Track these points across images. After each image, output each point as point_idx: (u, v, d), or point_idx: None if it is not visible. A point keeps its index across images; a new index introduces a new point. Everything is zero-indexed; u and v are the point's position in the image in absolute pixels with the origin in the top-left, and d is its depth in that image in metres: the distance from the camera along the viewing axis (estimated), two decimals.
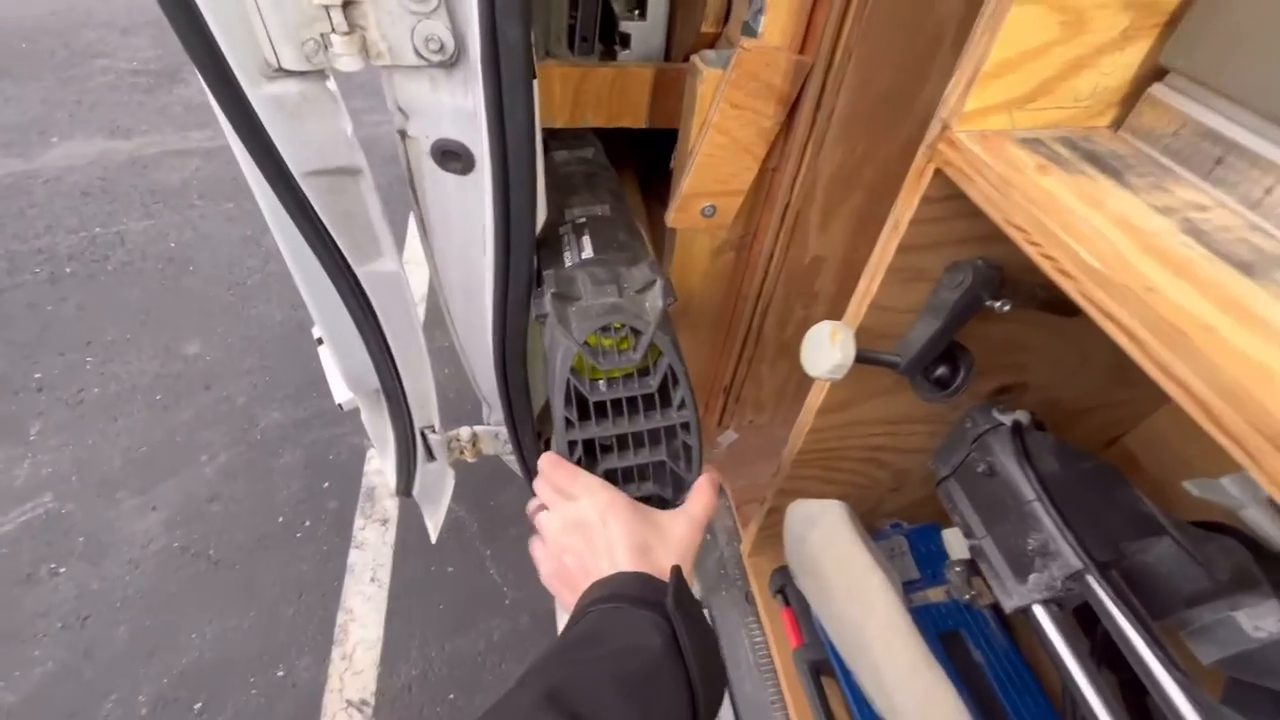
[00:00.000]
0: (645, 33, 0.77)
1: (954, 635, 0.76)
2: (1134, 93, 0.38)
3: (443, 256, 0.75)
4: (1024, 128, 0.38)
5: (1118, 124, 0.40)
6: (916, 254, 0.46)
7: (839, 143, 0.66)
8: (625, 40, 0.78)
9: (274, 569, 1.56)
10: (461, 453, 1.07)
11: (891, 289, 0.48)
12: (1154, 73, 0.37)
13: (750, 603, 0.87)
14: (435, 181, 0.67)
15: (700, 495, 0.52)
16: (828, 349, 0.46)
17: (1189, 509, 0.60)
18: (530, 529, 0.56)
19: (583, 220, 0.68)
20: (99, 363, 2.02)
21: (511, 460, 1.01)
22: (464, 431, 1.02)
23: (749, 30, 0.58)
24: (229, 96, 0.57)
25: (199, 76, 0.53)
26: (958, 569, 0.65)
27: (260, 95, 0.59)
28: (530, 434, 0.82)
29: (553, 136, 0.84)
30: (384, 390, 0.95)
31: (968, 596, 0.65)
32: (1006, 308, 0.45)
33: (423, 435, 1.03)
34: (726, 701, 0.89)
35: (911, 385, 0.55)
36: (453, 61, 0.58)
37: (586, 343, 0.55)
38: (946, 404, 0.55)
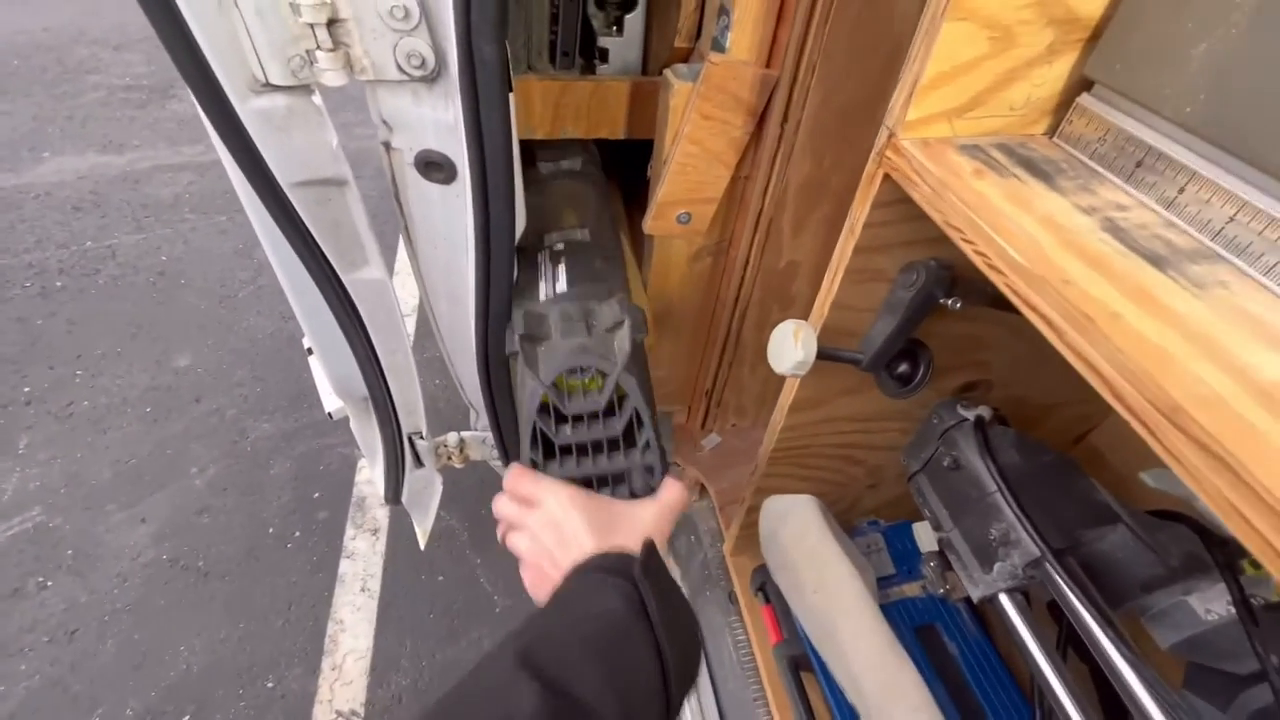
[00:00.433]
0: (622, 48, 0.80)
1: (930, 629, 0.78)
2: (1065, 102, 0.41)
3: (427, 264, 0.77)
4: (965, 135, 0.41)
5: (1052, 131, 0.42)
6: (872, 255, 0.48)
7: (807, 152, 0.69)
8: (604, 55, 0.81)
9: (264, 580, 1.56)
10: (449, 459, 1.08)
11: (851, 289, 0.51)
12: (1083, 83, 0.40)
13: (733, 602, 0.89)
14: (419, 191, 0.69)
15: (670, 486, 0.54)
16: (790, 346, 0.48)
17: (1150, 501, 0.63)
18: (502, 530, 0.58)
19: (560, 248, 0.69)
20: (89, 376, 2.03)
21: (499, 466, 1.02)
22: (451, 437, 1.04)
23: (718, 45, 0.61)
24: (218, 111, 0.59)
25: (190, 92, 0.56)
26: (932, 563, 0.67)
27: (248, 110, 0.61)
28: (515, 439, 0.84)
29: (541, 147, 0.87)
30: (371, 397, 0.97)
31: (942, 590, 0.67)
32: (958, 305, 0.47)
33: (410, 441, 1.05)
34: (711, 700, 0.91)
35: (876, 382, 0.58)
36: (433, 76, 0.61)
37: (555, 384, 0.56)
38: (909, 399, 0.58)
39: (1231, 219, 0.32)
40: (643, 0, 0.77)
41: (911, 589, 0.81)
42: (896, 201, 0.44)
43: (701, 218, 0.73)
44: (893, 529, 0.82)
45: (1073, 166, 0.39)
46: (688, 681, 0.39)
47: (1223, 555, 0.53)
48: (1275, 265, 0.30)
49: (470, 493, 1.75)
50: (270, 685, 1.39)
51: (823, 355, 0.49)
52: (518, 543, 0.53)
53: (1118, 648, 0.48)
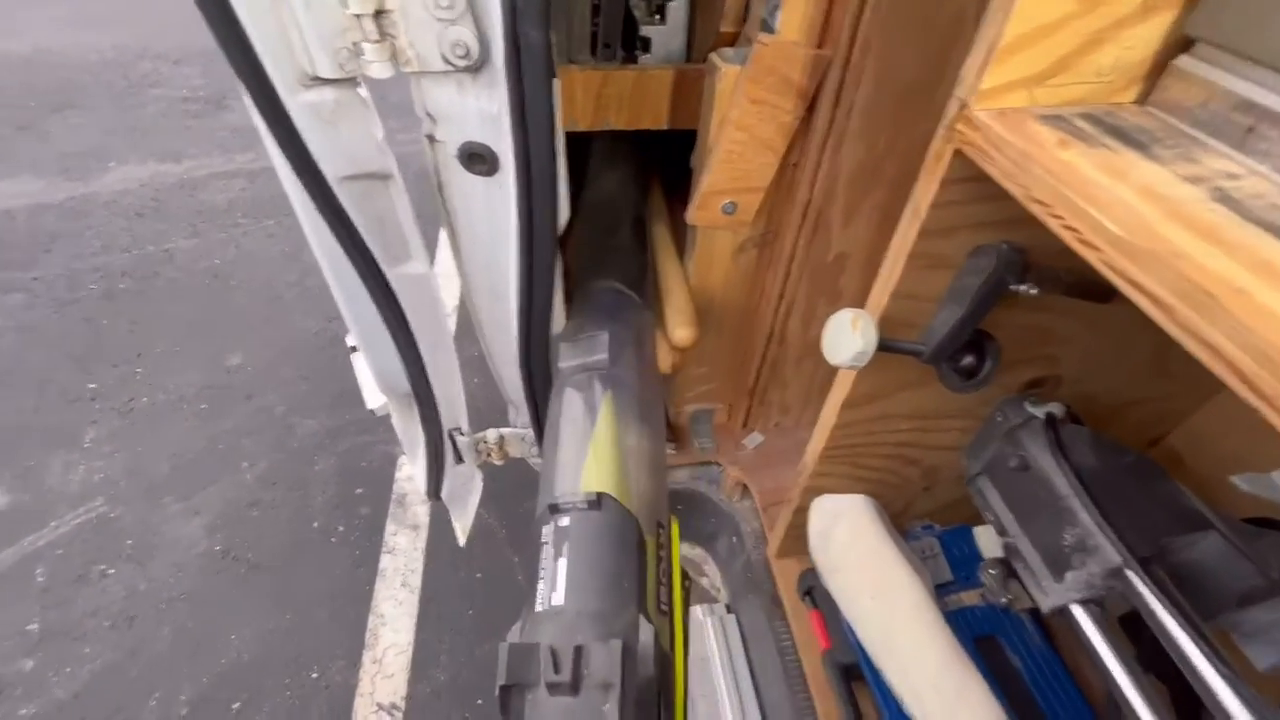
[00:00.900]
0: (665, 36, 0.79)
1: (990, 641, 0.74)
2: (1158, 66, 0.37)
3: (469, 258, 0.76)
4: (1045, 105, 0.38)
5: (1143, 98, 0.39)
6: (938, 239, 0.45)
7: (860, 137, 0.66)
8: (646, 44, 0.79)
9: (309, 573, 1.60)
10: (489, 455, 1.08)
11: (913, 276, 0.48)
12: (1179, 44, 0.36)
13: (777, 606, 0.86)
14: (461, 184, 0.69)
15: None
16: (849, 336, 0.46)
17: (1239, 507, 0.58)
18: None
19: (566, 524, 0.50)
20: (148, 374, 2.12)
21: (538, 463, 1.02)
22: (491, 434, 1.04)
23: (766, 27, 0.58)
24: (269, 106, 0.60)
25: (242, 88, 0.56)
26: (992, 570, 0.63)
27: (298, 103, 0.61)
28: None
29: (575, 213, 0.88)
30: (414, 392, 0.97)
31: (1004, 599, 0.63)
32: (1033, 291, 0.44)
33: (451, 437, 1.05)
34: (755, 708, 0.88)
35: (938, 375, 0.54)
36: (478, 66, 0.60)
37: None
38: (973, 394, 0.54)
39: None
40: None
41: (970, 597, 0.77)
42: (966, 179, 0.41)
43: (747, 207, 0.71)
44: (949, 533, 0.78)
45: (1170, 135, 0.36)
46: None
47: None
48: None
49: (509, 491, 1.75)
50: (314, 676, 1.42)
51: (883, 346, 0.47)
52: None
53: (1213, 664, 0.43)
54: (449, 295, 2.18)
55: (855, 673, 0.71)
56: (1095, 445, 0.55)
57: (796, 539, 0.80)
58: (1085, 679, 0.70)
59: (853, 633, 0.69)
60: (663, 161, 0.99)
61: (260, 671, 1.41)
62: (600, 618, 0.45)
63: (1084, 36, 0.35)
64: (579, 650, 0.42)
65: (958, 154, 0.40)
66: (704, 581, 1.16)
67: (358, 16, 0.56)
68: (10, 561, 1.63)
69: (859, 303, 0.87)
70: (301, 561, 1.61)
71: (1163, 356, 0.59)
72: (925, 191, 0.43)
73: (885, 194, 0.73)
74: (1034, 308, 0.49)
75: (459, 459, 1.09)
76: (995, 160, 0.36)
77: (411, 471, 1.45)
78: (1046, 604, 0.53)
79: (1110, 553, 0.49)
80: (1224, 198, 0.31)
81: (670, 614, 0.47)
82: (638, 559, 0.48)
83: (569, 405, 0.57)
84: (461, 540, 1.16)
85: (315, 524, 1.71)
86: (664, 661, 0.42)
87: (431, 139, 0.66)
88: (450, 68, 0.60)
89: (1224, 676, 0.41)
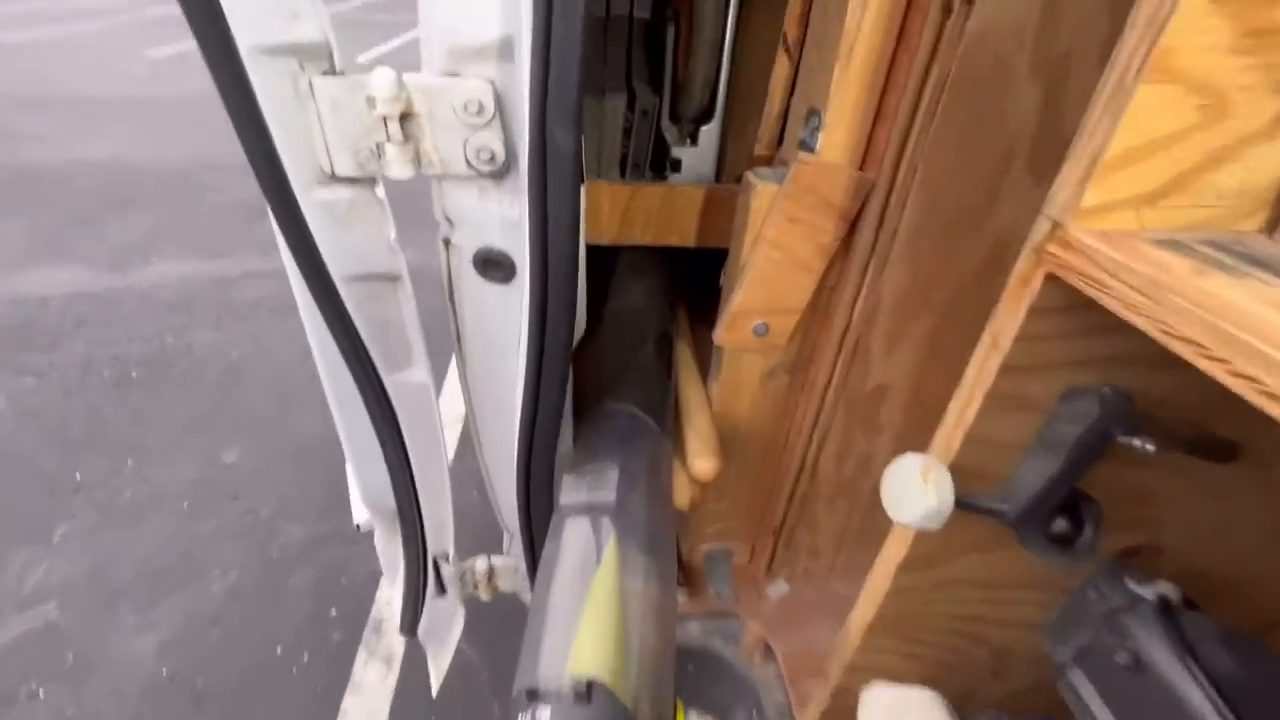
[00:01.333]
0: (697, 159, 0.78)
1: None
2: None
3: (475, 368, 0.70)
4: (1156, 228, 0.32)
5: (1271, 227, 0.33)
6: (1023, 377, 0.38)
7: (904, 262, 0.61)
8: (676, 165, 0.78)
9: (260, 710, 1.40)
10: (475, 587, 0.96)
11: (991, 419, 0.40)
12: None
13: None
14: (475, 291, 0.64)
15: None
16: (919, 490, 0.37)
17: None
18: None
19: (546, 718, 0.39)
20: (138, 467, 2.03)
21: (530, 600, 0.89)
22: (480, 563, 0.92)
23: (806, 147, 0.56)
24: (281, 201, 0.57)
25: (255, 179, 0.54)
26: None
27: (311, 200, 0.58)
28: None
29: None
30: (399, 510, 0.88)
31: None
32: (1149, 447, 0.36)
33: (435, 565, 0.93)
34: None
35: (1021, 541, 0.44)
36: (502, 172, 0.58)
37: None
38: (1068, 568, 0.44)
39: None
40: (720, 111, 0.75)
41: None
42: (1060, 309, 0.34)
43: (780, 330, 0.65)
44: None
45: None
46: None
47: None
48: None
49: (495, 625, 1.57)
50: None
51: (961, 504, 0.38)
52: None
53: None
54: (451, 412, 2.13)
55: None
56: (1230, 644, 0.43)
57: None
58: None
59: None
60: (688, 279, 0.95)
61: None
62: None
63: (1204, 153, 0.30)
64: None
65: (1050, 279, 0.33)
66: None
67: (384, 119, 0.54)
68: None
69: (901, 438, 0.79)
70: (254, 694, 1.41)
71: None
72: (1008, 321, 0.36)
73: (932, 322, 0.67)
74: (1133, 464, 0.40)
75: (441, 590, 0.97)
76: (1111, 288, 0.29)
77: (390, 598, 1.31)
78: None
79: None
80: None
81: None
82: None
83: (567, 552, 0.48)
84: (435, 688, 1.00)
85: (278, 649, 1.53)
86: None
87: (448, 243, 0.63)
88: (474, 173, 0.57)
89: None
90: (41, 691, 1.41)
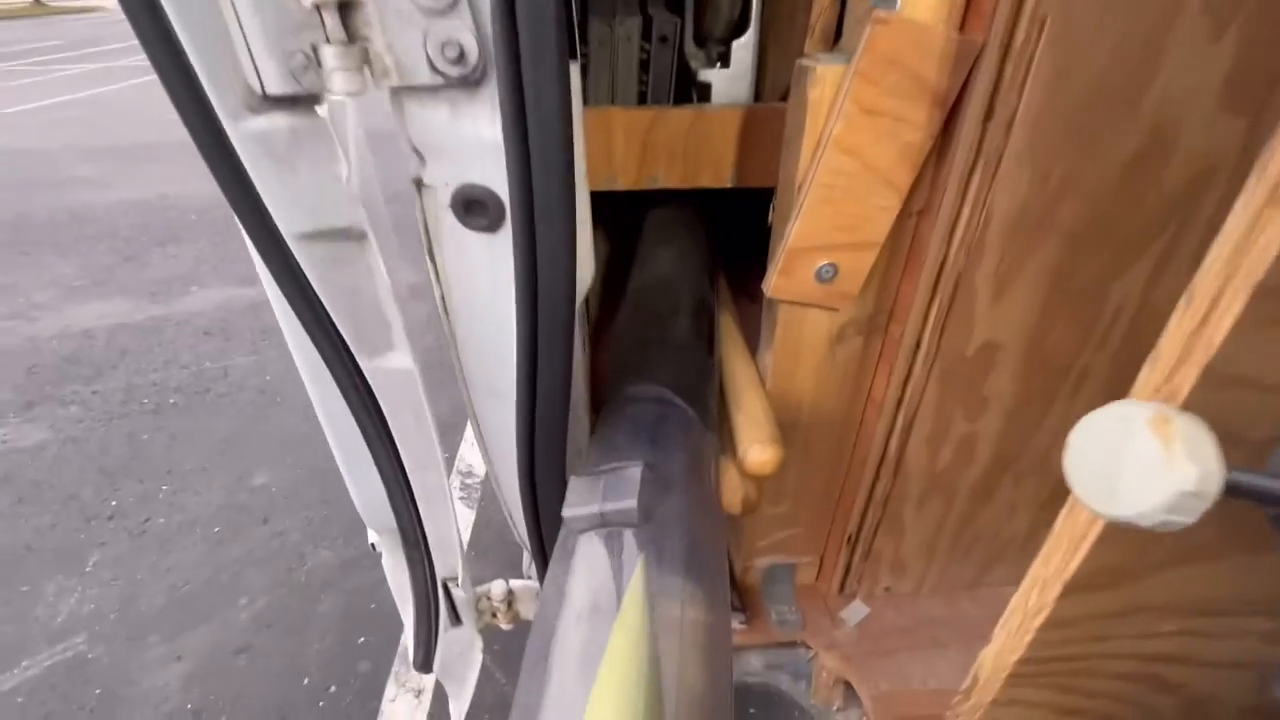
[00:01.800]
0: (730, 83, 0.63)
1: None
2: None
3: (467, 346, 0.57)
4: None
5: None
6: None
7: (1023, 166, 0.45)
8: (705, 92, 0.64)
9: None
10: (494, 615, 0.82)
11: (1254, 340, 0.23)
12: None
13: None
14: (458, 243, 0.51)
15: None
16: (1158, 460, 0.21)
17: None
18: None
19: None
20: (171, 492, 2.01)
21: None
22: (496, 587, 0.79)
23: (885, 4, 0.40)
24: (208, 135, 0.45)
25: (177, 114, 0.42)
26: None
27: (243, 133, 0.46)
28: None
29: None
30: (399, 526, 0.75)
31: None
32: None
33: (446, 590, 0.80)
34: None
35: None
36: (477, 77, 0.44)
37: None
38: None
39: None
40: (755, 18, 0.60)
41: None
42: None
43: (853, 273, 0.49)
44: None
45: None
46: None
47: None
48: None
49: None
50: None
51: (1236, 489, 0.21)
52: None
53: None
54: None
55: None
56: None
57: None
58: None
59: None
60: (727, 236, 0.80)
61: None
62: None
63: None
64: None
65: None
66: None
67: (317, 7, 0.41)
68: None
69: (1012, 417, 0.61)
70: None
71: None
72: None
73: (1058, 253, 0.50)
74: None
75: (455, 619, 0.83)
76: None
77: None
78: None
79: None
80: None
81: None
82: None
83: (575, 586, 0.33)
84: None
85: (305, 680, 1.44)
86: None
87: (419, 184, 0.50)
88: (440, 80, 0.44)
89: None
90: None
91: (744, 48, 0.61)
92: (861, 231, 0.47)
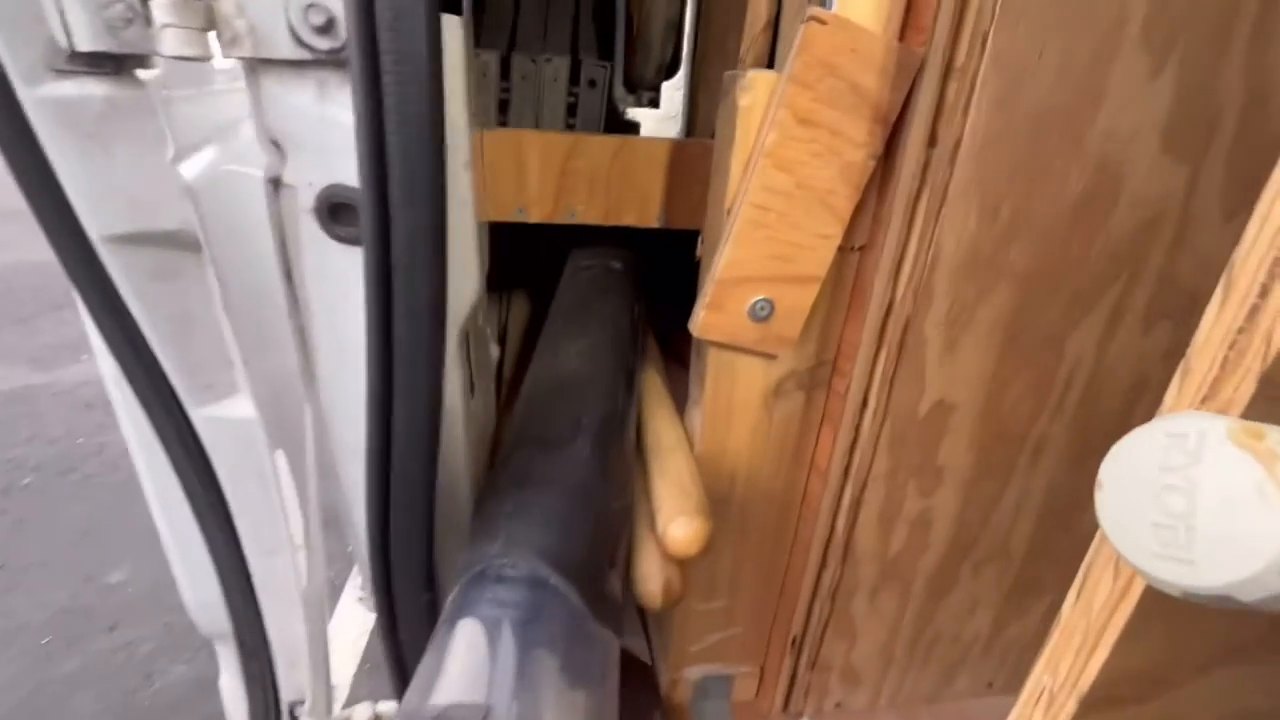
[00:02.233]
0: (659, 124, 0.59)
1: None
2: None
3: (332, 388, 0.46)
4: None
5: None
6: None
7: (970, 199, 0.41)
8: (634, 131, 0.60)
9: None
10: None
11: None
12: None
13: None
14: (321, 257, 0.42)
15: None
16: (1265, 491, 0.13)
17: None
18: None
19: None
20: (4, 589, 1.67)
21: None
22: (360, 713, 0.62)
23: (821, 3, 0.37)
24: None
25: None
26: None
27: (42, 99, 0.37)
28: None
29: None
30: (234, 630, 0.59)
31: None
32: None
33: (292, 715, 0.63)
34: None
35: None
36: (348, 53, 0.37)
37: None
38: None
39: None
40: (687, 60, 0.58)
41: None
42: None
43: (792, 311, 0.43)
44: None
45: None
46: None
47: None
48: None
49: None
50: None
51: None
52: None
53: None
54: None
55: None
56: None
57: None
58: None
59: None
60: (655, 291, 0.74)
61: None
62: None
63: None
64: None
65: None
66: None
67: None
68: None
69: (971, 489, 0.54)
70: None
71: None
72: None
73: (1010, 301, 0.45)
74: None
75: None
76: None
77: None
78: None
79: None
80: None
81: None
82: None
83: None
84: None
85: None
86: None
87: (276, 183, 0.41)
88: (305, 53, 0.37)
89: None
90: None
91: (675, 88, 0.58)
92: (800, 263, 0.41)
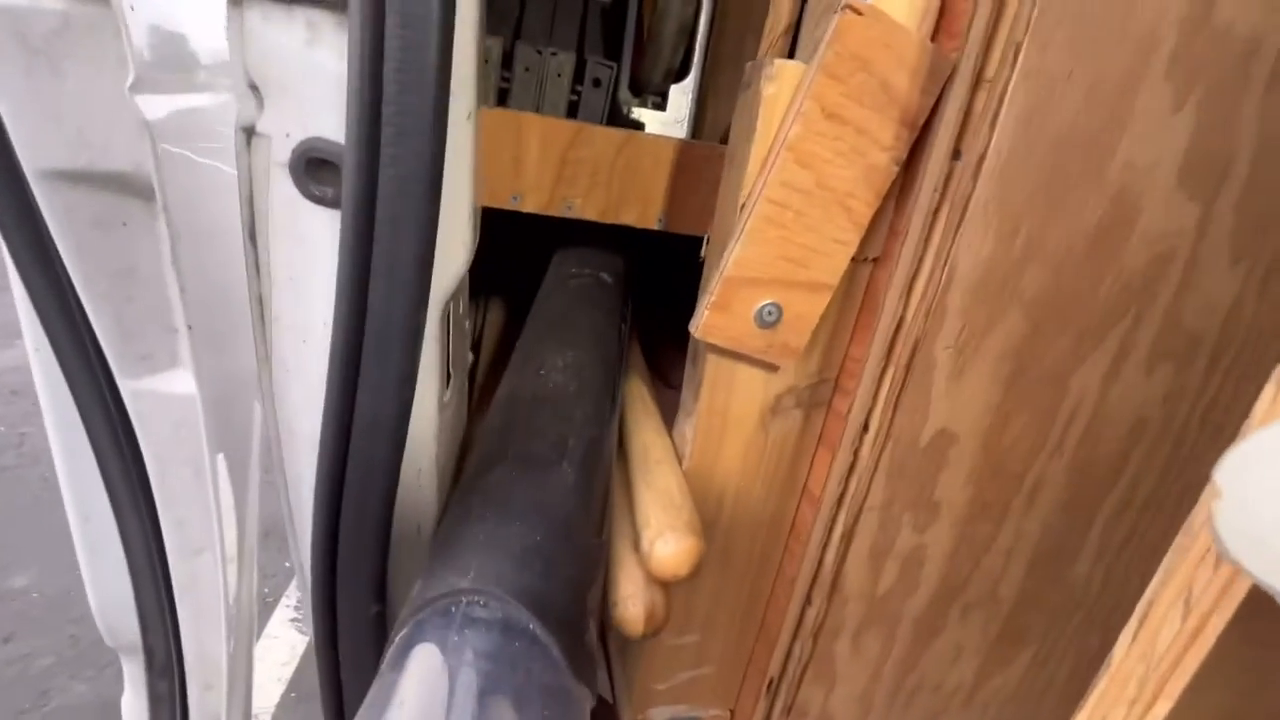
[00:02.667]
0: (664, 128, 0.57)
1: None
2: None
3: (286, 361, 0.41)
4: None
5: None
6: None
7: (990, 217, 0.39)
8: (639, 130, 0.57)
9: None
10: None
11: None
12: None
13: None
14: (292, 218, 0.38)
15: None
16: None
17: None
18: None
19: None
20: None
21: None
22: None
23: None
24: None
25: None
26: None
27: None
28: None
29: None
30: (144, 642, 0.53)
31: None
32: None
33: None
34: None
35: None
36: None
37: None
38: None
39: None
40: (697, 67, 0.56)
41: None
42: None
43: (800, 319, 0.40)
44: None
45: None
46: None
47: None
48: None
49: None
50: None
51: None
52: None
53: None
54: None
55: None
56: None
57: None
58: None
59: None
60: (642, 299, 0.71)
61: None
62: None
63: None
64: None
65: None
66: None
67: None
68: None
69: (965, 527, 0.51)
70: None
71: None
72: None
73: (1020, 329, 0.44)
74: None
75: None
76: None
77: None
78: None
79: None
80: None
81: None
82: None
83: None
84: None
85: None
86: None
87: (250, 132, 0.37)
88: None
89: None
90: None
91: (683, 92, 0.56)
92: (813, 268, 0.39)
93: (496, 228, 0.52)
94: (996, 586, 0.56)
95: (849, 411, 0.45)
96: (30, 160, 0.35)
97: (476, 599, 0.30)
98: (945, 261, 0.40)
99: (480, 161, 0.34)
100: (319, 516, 0.33)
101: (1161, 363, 0.48)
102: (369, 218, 0.30)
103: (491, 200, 0.49)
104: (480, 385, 0.70)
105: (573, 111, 0.64)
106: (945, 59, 0.35)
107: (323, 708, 0.42)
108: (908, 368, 0.43)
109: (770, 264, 0.38)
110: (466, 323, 0.54)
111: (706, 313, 0.39)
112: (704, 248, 0.45)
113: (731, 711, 0.63)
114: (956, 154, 0.38)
